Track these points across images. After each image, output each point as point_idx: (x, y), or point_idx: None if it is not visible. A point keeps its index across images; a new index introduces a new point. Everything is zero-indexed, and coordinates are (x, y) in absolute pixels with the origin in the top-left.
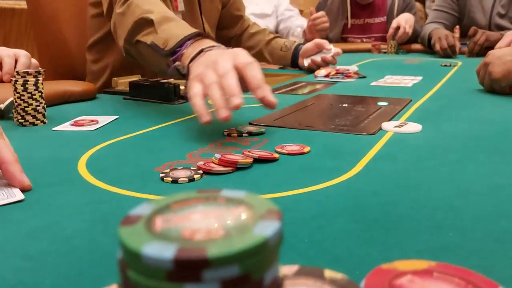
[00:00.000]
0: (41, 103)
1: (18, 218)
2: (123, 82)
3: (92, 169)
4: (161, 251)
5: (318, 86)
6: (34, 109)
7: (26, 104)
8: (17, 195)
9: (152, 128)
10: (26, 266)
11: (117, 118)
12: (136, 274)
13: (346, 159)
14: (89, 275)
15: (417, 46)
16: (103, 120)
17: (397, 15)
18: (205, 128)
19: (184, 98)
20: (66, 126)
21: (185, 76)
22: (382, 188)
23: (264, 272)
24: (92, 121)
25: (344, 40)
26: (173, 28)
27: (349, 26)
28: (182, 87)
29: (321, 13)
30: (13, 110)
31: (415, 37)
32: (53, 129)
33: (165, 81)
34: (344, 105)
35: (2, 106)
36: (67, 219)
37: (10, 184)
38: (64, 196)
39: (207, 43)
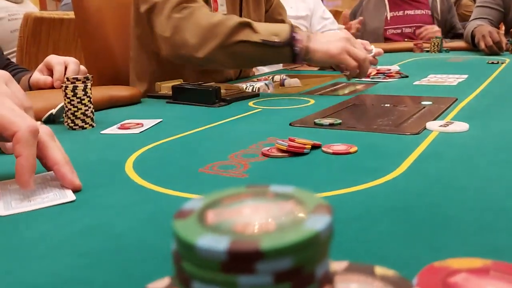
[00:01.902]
0: (89, 107)
1: (71, 217)
2: (165, 86)
3: (138, 170)
4: (215, 243)
5: (358, 87)
6: (83, 114)
7: (75, 109)
8: (69, 196)
9: (195, 130)
10: (80, 263)
11: (161, 121)
12: (190, 266)
13: (390, 159)
14: (139, 272)
15: (461, 44)
16: (148, 123)
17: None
18: (246, 129)
19: (225, 100)
20: (113, 130)
21: (295, 56)
22: (428, 188)
23: (316, 266)
24: (138, 124)
25: (384, 32)
26: (267, 26)
27: (388, 18)
28: (223, 90)
29: (351, 23)
30: (64, 114)
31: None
32: (101, 132)
33: (206, 84)
34: (386, 105)
35: (54, 111)
36: (116, 218)
37: (62, 185)
38: (113, 196)
39: (300, 30)
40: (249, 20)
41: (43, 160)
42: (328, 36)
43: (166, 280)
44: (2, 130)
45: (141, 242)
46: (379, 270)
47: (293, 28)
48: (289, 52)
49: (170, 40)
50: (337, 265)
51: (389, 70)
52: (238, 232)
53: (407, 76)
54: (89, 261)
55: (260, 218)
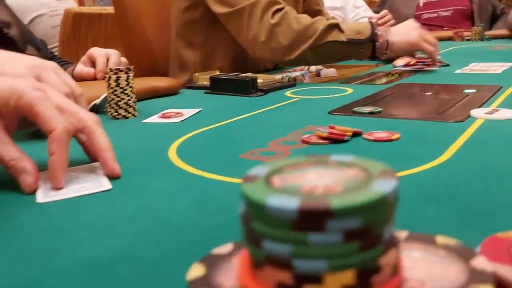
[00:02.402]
0: (132, 97)
1: (120, 201)
2: (203, 77)
3: (182, 157)
4: (285, 201)
5: (396, 76)
6: (126, 103)
7: (118, 99)
8: (105, 185)
9: (234, 119)
10: (133, 242)
11: (200, 111)
12: (261, 225)
13: (434, 146)
14: (188, 250)
15: (503, 32)
16: (188, 112)
17: None
18: (284, 118)
19: (262, 90)
20: (154, 119)
21: (375, 51)
22: (474, 175)
23: (383, 227)
24: (178, 113)
25: (418, 18)
26: (350, 25)
27: (421, 4)
28: (260, 80)
29: (384, 12)
30: (107, 104)
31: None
32: (143, 121)
33: (243, 75)
34: (427, 93)
35: (97, 101)
36: (164, 201)
37: (100, 174)
38: (159, 181)
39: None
40: (336, 21)
41: (88, 146)
42: (402, 27)
43: (229, 246)
44: (40, 125)
45: (188, 223)
46: (441, 239)
47: (373, 24)
48: (371, 48)
49: (266, 44)
50: (398, 234)
51: (429, 58)
52: (307, 194)
53: (448, 65)
54: (141, 240)
55: (326, 182)
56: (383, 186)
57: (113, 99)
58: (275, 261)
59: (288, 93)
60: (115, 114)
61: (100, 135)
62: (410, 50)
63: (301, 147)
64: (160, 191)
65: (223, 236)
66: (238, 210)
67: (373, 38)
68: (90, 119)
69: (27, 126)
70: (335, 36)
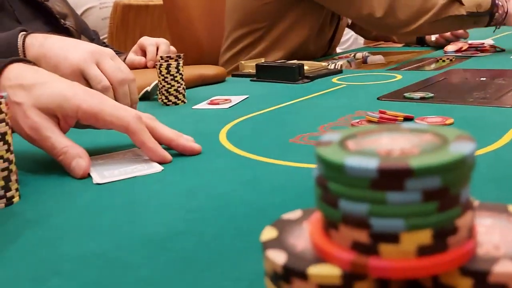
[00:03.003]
0: (181, 84)
1: (175, 180)
2: (249, 65)
3: (232, 141)
4: (365, 162)
5: (447, 62)
6: (176, 90)
7: (169, 86)
8: (156, 167)
9: (281, 105)
10: (190, 217)
11: (247, 97)
12: (338, 186)
13: (491, 130)
14: (245, 225)
15: None
16: (235, 99)
17: None
18: (332, 104)
19: (308, 77)
20: (203, 105)
21: (492, 22)
22: None
23: (461, 189)
24: (226, 100)
25: None
26: None
27: None
28: (306, 67)
29: None
30: (158, 91)
31: None
32: (193, 107)
33: (290, 62)
34: (482, 78)
35: (149, 88)
36: (217, 181)
37: (150, 159)
38: (212, 162)
39: None
40: None
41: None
42: None
43: (298, 212)
44: (113, 127)
45: (243, 201)
46: None
47: None
48: (488, 19)
49: (382, 20)
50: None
51: (482, 44)
52: (384, 155)
53: (503, 50)
54: (198, 216)
55: (402, 145)
56: (462, 148)
57: (163, 86)
58: (351, 221)
59: (334, 79)
60: (165, 100)
61: (163, 128)
62: None
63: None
64: (212, 172)
65: (276, 214)
66: (292, 190)
67: (492, 10)
68: (146, 117)
69: (80, 127)
70: (455, 10)
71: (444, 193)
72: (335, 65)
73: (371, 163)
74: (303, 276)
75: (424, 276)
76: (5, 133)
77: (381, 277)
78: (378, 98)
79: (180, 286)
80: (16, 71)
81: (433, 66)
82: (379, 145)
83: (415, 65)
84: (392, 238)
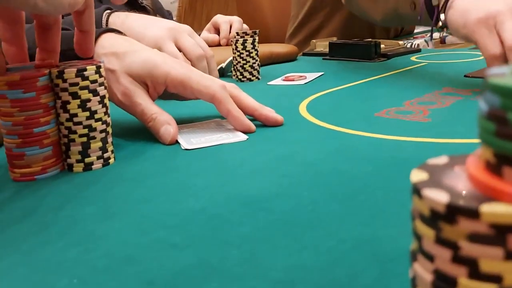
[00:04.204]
0: (256, 60)
1: (262, 148)
2: (321, 44)
3: (314, 114)
4: None
5: None
6: (251, 66)
7: (244, 62)
8: (241, 136)
9: (360, 81)
10: (283, 182)
11: (322, 74)
12: None
13: None
14: (342, 191)
15: None
16: (310, 76)
17: None
18: (416, 80)
19: (385, 56)
20: (278, 81)
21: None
22: None
23: None
24: (301, 76)
25: None
26: None
27: None
28: (382, 46)
29: None
30: (232, 68)
31: None
32: (268, 83)
33: (365, 40)
34: None
35: (223, 65)
36: (306, 150)
37: (235, 129)
38: (295, 133)
39: None
40: None
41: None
42: None
43: (444, 157)
44: (199, 95)
45: (335, 169)
46: None
47: None
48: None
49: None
50: None
51: None
52: None
53: None
54: (292, 181)
55: None
56: None
57: (239, 62)
58: None
59: (413, 58)
60: (240, 77)
61: (247, 98)
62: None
63: (442, 107)
64: (298, 142)
65: (369, 182)
66: (383, 160)
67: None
68: (231, 87)
69: (166, 98)
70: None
71: None
72: (412, 44)
73: None
74: (474, 214)
75: None
76: (104, 96)
77: None
78: (465, 76)
79: (284, 244)
80: (109, 40)
81: None
82: None
83: None
84: None
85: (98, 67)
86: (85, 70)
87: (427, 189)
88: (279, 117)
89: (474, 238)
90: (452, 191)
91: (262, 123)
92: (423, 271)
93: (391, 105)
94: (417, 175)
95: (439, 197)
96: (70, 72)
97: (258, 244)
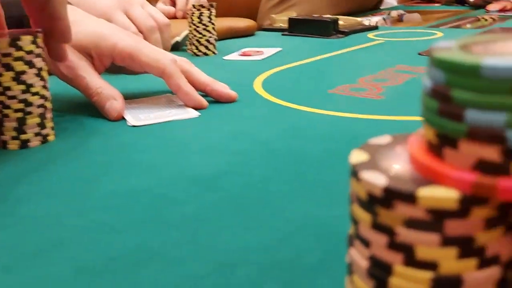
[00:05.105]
0: (213, 34)
1: (214, 125)
2: (280, 19)
3: (268, 90)
4: (508, 61)
5: (490, 21)
6: (207, 40)
7: (200, 35)
8: (192, 112)
9: (317, 57)
10: (235, 159)
11: (280, 50)
12: (466, 93)
13: None
14: (292, 169)
15: None
16: (268, 51)
17: None
18: (371, 57)
19: (343, 32)
20: (234, 56)
21: None
22: None
23: None
24: (258, 51)
25: None
26: None
27: None
28: (340, 22)
29: None
30: (187, 41)
31: None
32: (224, 58)
33: (324, 16)
34: None
35: (179, 38)
36: (258, 127)
37: (185, 105)
38: (249, 110)
39: None
40: None
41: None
42: None
43: (387, 137)
44: (148, 69)
45: (288, 147)
46: None
47: None
48: None
49: None
50: None
51: None
52: None
53: None
54: (243, 159)
55: None
56: None
57: (194, 36)
58: (479, 135)
59: (371, 35)
60: (195, 51)
61: (198, 73)
62: None
63: (395, 84)
64: (251, 119)
65: (323, 160)
66: (337, 138)
67: None
68: (181, 60)
69: (114, 71)
70: None
71: None
72: (370, 21)
73: None
74: (411, 198)
75: None
76: (41, 69)
77: (506, 204)
78: (419, 53)
79: (228, 224)
80: None
81: (474, 25)
82: None
83: (455, 24)
84: None
85: (35, 37)
86: (19, 39)
87: (364, 171)
88: (232, 93)
89: (411, 223)
90: (391, 173)
91: (215, 99)
92: (359, 257)
93: (345, 82)
94: (357, 156)
95: (376, 180)
96: (3, 42)
97: (202, 225)
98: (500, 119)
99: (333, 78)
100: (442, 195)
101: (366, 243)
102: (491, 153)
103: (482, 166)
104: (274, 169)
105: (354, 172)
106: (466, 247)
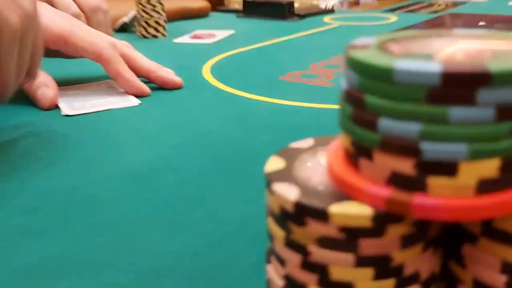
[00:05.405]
0: (162, 15)
1: (155, 114)
2: (235, 1)
3: (217, 76)
4: (423, 65)
5: (443, 6)
6: (156, 22)
7: (148, 17)
8: (132, 100)
9: (270, 42)
10: (172, 153)
11: (233, 33)
12: (380, 99)
13: None
14: (230, 163)
15: None
16: (220, 34)
17: None
18: (325, 42)
19: (298, 15)
20: (185, 39)
21: None
22: None
23: None
24: (210, 34)
25: None
26: None
27: None
28: (296, 5)
29: None
30: (135, 23)
31: None
32: (174, 40)
33: None
34: (480, 23)
35: (126, 19)
36: (200, 117)
37: (126, 92)
38: (194, 97)
39: None
40: None
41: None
42: None
43: (310, 140)
44: (84, 53)
45: (229, 138)
46: None
47: None
48: None
49: None
50: None
51: None
52: (445, 59)
53: None
54: (180, 152)
55: (466, 48)
56: None
57: (142, 17)
58: (394, 145)
59: (326, 19)
60: (144, 32)
61: (141, 58)
62: None
63: None
64: (195, 108)
65: (265, 153)
66: (283, 128)
67: None
68: (123, 45)
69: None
70: None
71: None
72: (326, 5)
73: (433, 67)
74: (322, 215)
75: (481, 219)
76: None
77: (424, 220)
78: None
79: (158, 227)
80: None
81: (429, 10)
82: (433, 49)
83: (411, 8)
84: (447, 168)
85: None
86: None
87: (277, 183)
88: (177, 80)
89: (324, 242)
90: (305, 186)
91: (159, 86)
92: (275, 275)
93: (297, 67)
94: (272, 164)
95: (288, 193)
96: None
97: (129, 228)
98: (415, 129)
99: (285, 64)
100: (355, 212)
101: (281, 261)
102: (406, 166)
103: (397, 180)
104: (212, 164)
105: (268, 183)
106: (383, 267)
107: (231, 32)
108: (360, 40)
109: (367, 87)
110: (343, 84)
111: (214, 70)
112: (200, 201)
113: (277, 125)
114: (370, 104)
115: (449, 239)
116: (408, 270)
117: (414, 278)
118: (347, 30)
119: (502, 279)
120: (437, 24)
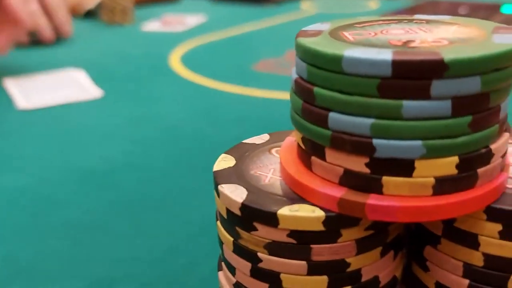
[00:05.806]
0: (129, 2)
1: (117, 108)
2: None
3: (187, 66)
4: (373, 53)
5: None
6: (122, 8)
7: (114, 3)
8: (93, 92)
9: (245, 28)
10: (134, 150)
11: (206, 20)
12: (330, 92)
13: None
14: (195, 159)
15: None
16: (192, 20)
17: None
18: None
19: (275, 1)
20: (154, 26)
21: None
22: None
23: (503, 98)
24: (181, 21)
25: None
26: None
27: None
28: None
29: None
30: (101, 10)
31: None
32: (142, 28)
33: None
34: (461, 11)
35: (92, 6)
36: (168, 110)
37: (83, 82)
38: (161, 89)
39: None
40: None
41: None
42: None
43: (265, 136)
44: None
45: (197, 133)
46: None
47: None
48: None
49: None
50: None
51: None
52: (399, 47)
53: None
54: (143, 149)
55: (422, 36)
56: (506, 40)
57: (108, 3)
58: (345, 143)
59: (305, 6)
60: (110, 19)
61: None
62: None
63: None
64: (162, 100)
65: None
66: (254, 121)
67: None
68: None
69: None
70: None
71: (482, 101)
72: None
73: (384, 55)
74: (271, 219)
75: (439, 219)
76: None
77: (380, 222)
78: None
79: (117, 231)
80: None
81: None
82: (390, 35)
83: None
84: (403, 166)
85: None
86: None
87: (224, 184)
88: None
89: (274, 248)
90: (255, 186)
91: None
92: (226, 284)
93: (271, 55)
94: (221, 163)
95: (235, 195)
96: None
97: (85, 232)
98: (366, 124)
99: (259, 51)
100: (306, 215)
101: (231, 268)
102: (359, 165)
103: (350, 180)
104: (177, 161)
105: (215, 184)
106: (338, 273)
107: (202, 18)
108: (314, 26)
109: (316, 78)
110: (293, 74)
111: (184, 60)
112: (163, 202)
113: (246, 118)
114: (320, 97)
115: (412, 240)
116: (366, 276)
117: (373, 284)
118: (326, 18)
119: (465, 282)
120: (415, 11)
